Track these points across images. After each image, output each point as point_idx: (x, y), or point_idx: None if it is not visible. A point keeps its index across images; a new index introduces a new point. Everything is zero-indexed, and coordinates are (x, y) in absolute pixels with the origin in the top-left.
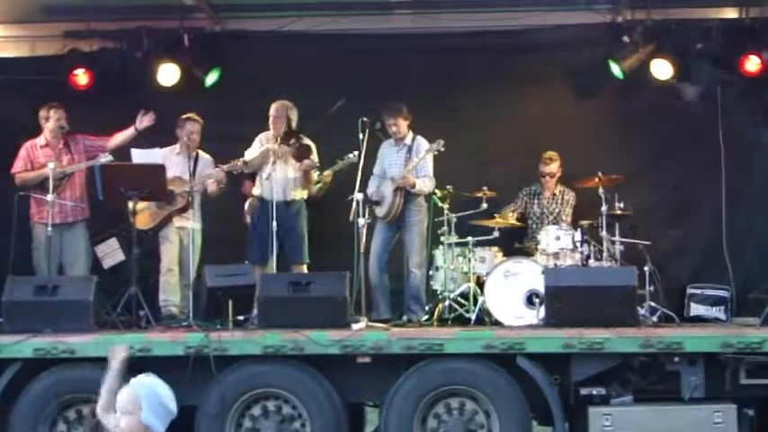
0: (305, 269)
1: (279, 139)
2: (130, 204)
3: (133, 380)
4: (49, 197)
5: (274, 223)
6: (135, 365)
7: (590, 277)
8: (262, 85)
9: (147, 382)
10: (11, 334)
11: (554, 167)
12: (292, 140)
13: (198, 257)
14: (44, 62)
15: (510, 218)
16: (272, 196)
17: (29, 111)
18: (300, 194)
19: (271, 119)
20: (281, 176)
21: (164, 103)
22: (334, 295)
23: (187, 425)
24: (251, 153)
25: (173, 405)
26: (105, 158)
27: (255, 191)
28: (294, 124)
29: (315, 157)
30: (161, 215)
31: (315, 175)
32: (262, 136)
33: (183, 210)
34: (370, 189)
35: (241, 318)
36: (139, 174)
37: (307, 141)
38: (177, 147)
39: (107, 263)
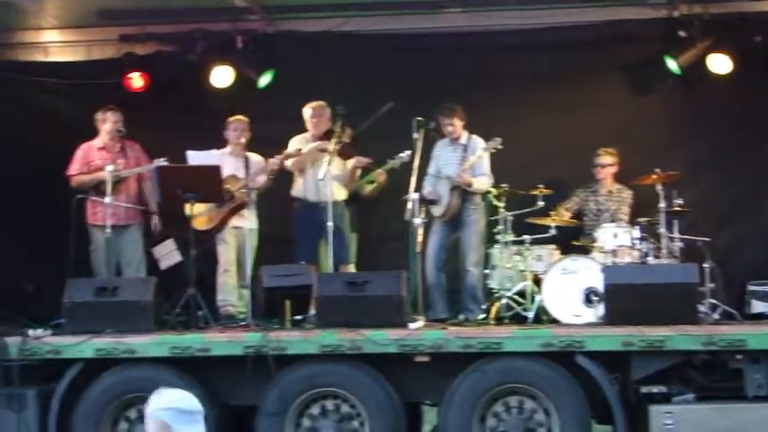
0: (353, 269)
1: (330, 138)
2: (188, 206)
3: (148, 410)
4: (107, 200)
5: (330, 223)
6: (195, 365)
7: (649, 274)
8: (314, 87)
9: (164, 403)
10: (72, 335)
11: (608, 159)
12: (336, 139)
13: (254, 257)
14: (100, 66)
15: (564, 215)
16: (321, 197)
17: (85, 114)
18: (343, 195)
19: (311, 120)
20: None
21: (218, 106)
22: (390, 294)
23: (248, 424)
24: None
25: (196, 404)
26: (162, 161)
27: (297, 193)
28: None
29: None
30: (219, 216)
31: (358, 173)
32: (295, 140)
33: (240, 208)
34: (426, 189)
35: (299, 317)
36: (196, 175)
37: (346, 139)
38: (230, 147)
39: (164, 264)
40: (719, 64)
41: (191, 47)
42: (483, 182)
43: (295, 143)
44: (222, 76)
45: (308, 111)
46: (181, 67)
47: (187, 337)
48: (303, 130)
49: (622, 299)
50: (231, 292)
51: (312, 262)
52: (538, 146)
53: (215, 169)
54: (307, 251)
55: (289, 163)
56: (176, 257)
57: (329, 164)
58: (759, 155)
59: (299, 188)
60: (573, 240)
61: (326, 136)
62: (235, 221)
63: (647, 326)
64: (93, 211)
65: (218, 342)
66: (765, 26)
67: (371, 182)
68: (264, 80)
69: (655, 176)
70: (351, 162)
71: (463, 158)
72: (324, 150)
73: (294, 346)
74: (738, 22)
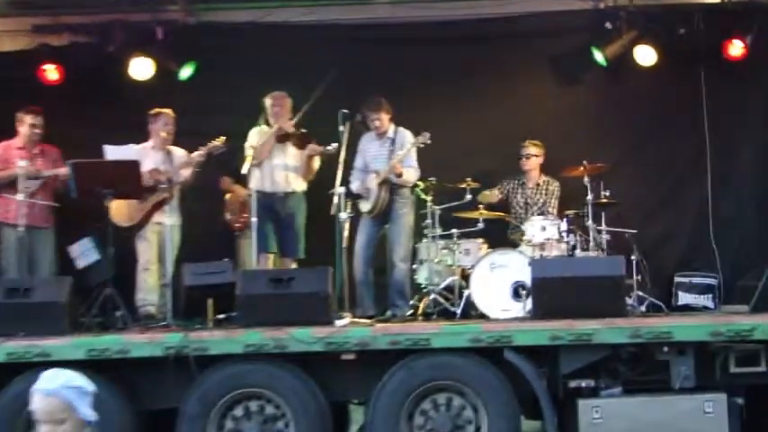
0: (294, 265)
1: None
2: (106, 203)
3: (46, 385)
4: (19, 197)
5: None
6: (113, 368)
7: (577, 268)
8: (238, 79)
9: (63, 381)
10: None
11: (533, 150)
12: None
13: (176, 254)
14: (12, 58)
15: (493, 197)
16: (277, 187)
17: None
18: (301, 186)
19: (271, 108)
20: (280, 165)
21: (138, 99)
22: (316, 291)
23: (168, 427)
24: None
25: (89, 384)
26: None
27: (254, 184)
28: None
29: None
30: (141, 212)
31: (316, 164)
32: (255, 132)
33: (162, 203)
34: (354, 183)
35: (221, 316)
36: (114, 171)
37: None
38: (152, 141)
39: (81, 263)
40: (645, 56)
41: (109, 38)
42: (411, 173)
43: (254, 135)
44: (142, 69)
45: (268, 101)
46: (98, 59)
47: (105, 338)
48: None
49: (550, 292)
50: (151, 291)
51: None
52: (465, 138)
53: (133, 164)
54: (263, 243)
55: (250, 154)
56: (94, 256)
57: (285, 141)
58: (685, 147)
59: (255, 179)
60: (502, 234)
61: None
62: (157, 217)
63: (574, 319)
64: (5, 209)
65: (137, 343)
66: (690, 18)
67: None
68: (186, 72)
69: (582, 168)
70: (305, 151)
71: (391, 152)
72: (283, 136)
73: (216, 346)
74: (663, 14)
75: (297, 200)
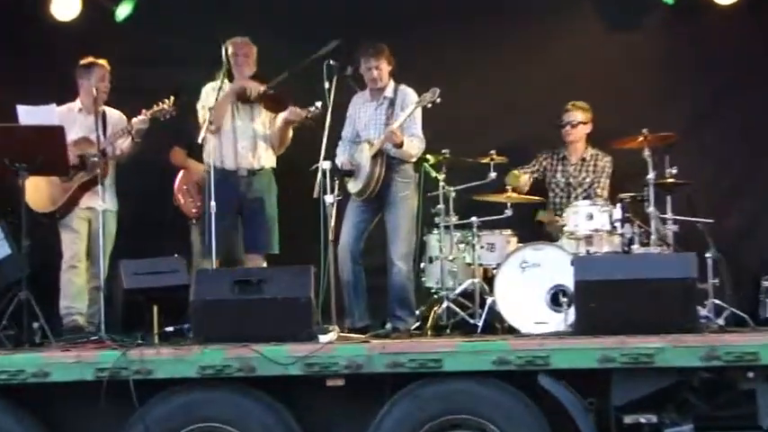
0: (263, 263)
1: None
2: (20, 180)
3: None
4: None
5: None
6: (30, 395)
7: (634, 268)
8: (193, 19)
9: None
10: None
11: (579, 115)
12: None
13: (111, 249)
14: None
15: (522, 180)
16: (242, 163)
17: None
18: (271, 161)
19: (232, 59)
20: (246, 135)
21: (61, 45)
22: (294, 297)
23: None
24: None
25: None
26: None
27: (209, 158)
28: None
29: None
30: (65, 194)
31: (290, 132)
32: (208, 87)
33: (93, 183)
34: (340, 157)
35: (170, 329)
36: (30, 139)
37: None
38: (79, 103)
39: None
40: None
41: None
42: (415, 144)
43: (209, 93)
44: (67, 6)
45: (228, 48)
46: None
47: (18, 357)
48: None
49: (599, 300)
50: (79, 297)
51: (219, 251)
52: (488, 99)
53: (57, 131)
54: (222, 237)
55: (204, 118)
56: (3, 249)
57: (247, 101)
58: None
59: (211, 152)
60: (536, 223)
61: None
62: (86, 201)
63: (631, 335)
64: None
65: (60, 364)
66: None
67: None
68: (123, 11)
69: (641, 139)
70: (282, 116)
71: (390, 116)
72: (243, 96)
73: (164, 368)
74: None
75: (266, 179)
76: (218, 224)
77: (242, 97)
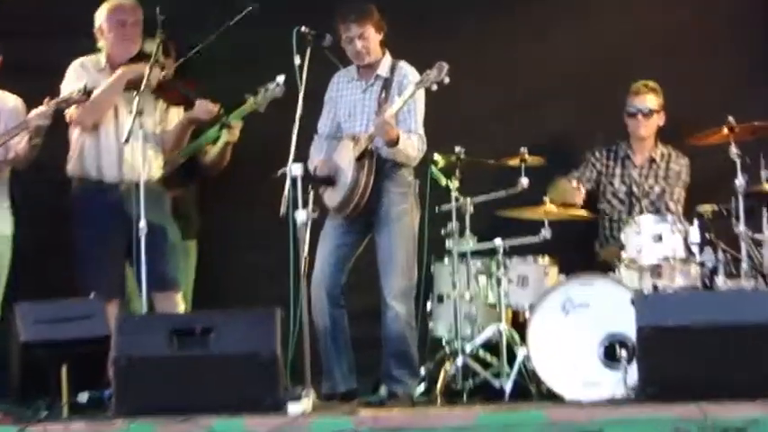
0: (180, 302)
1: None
2: None
3: None
4: None
5: (143, 223)
6: None
7: (719, 309)
8: None
9: None
10: None
11: (651, 100)
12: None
13: (2, 287)
14: None
15: (571, 192)
16: (127, 174)
17: None
18: (159, 170)
19: (113, 29)
20: (134, 135)
21: None
22: (253, 352)
23: None
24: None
25: None
26: None
27: (77, 168)
28: None
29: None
30: None
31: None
32: (76, 67)
33: None
34: (315, 158)
35: (85, 396)
36: None
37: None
38: None
39: None
40: None
41: None
42: (414, 142)
43: (75, 74)
44: None
45: (102, 13)
46: None
47: None
48: (81, 49)
49: (671, 353)
50: None
51: (118, 290)
52: (516, 82)
53: None
54: (101, 271)
55: (70, 112)
56: None
57: (140, 113)
58: None
59: (84, 158)
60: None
61: (137, 61)
62: None
63: (715, 401)
64: None
65: None
66: None
67: (215, 139)
68: None
69: (726, 131)
70: (178, 112)
71: (383, 102)
72: (132, 86)
73: None
74: None
75: (157, 194)
76: (102, 255)
77: (133, 84)
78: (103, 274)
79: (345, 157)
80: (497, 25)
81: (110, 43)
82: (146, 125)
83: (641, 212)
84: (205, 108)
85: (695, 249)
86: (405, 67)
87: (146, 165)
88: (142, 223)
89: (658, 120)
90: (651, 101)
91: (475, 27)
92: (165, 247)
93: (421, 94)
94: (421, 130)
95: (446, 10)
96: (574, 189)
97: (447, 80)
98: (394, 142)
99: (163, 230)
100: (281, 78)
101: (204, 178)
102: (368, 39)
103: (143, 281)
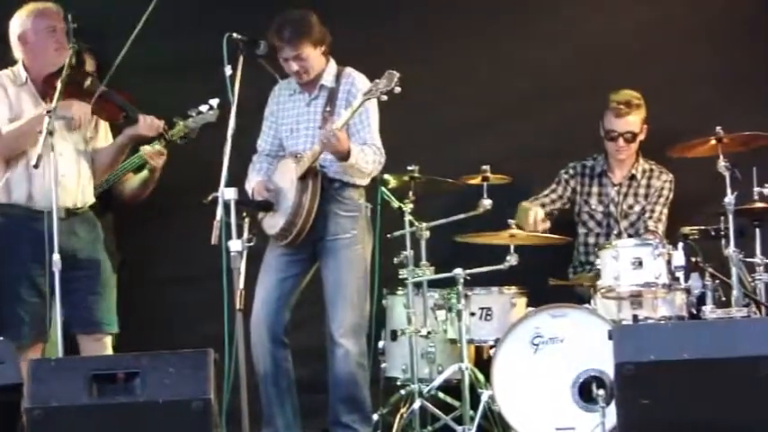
0: (109, 345)
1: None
2: None
3: None
4: None
5: (56, 256)
6: None
7: (707, 341)
8: None
9: None
10: None
11: (635, 125)
12: (88, 80)
13: None
14: None
15: (538, 215)
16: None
17: None
18: (92, 195)
19: (45, 36)
20: (67, 157)
21: None
22: (184, 400)
23: None
24: None
25: None
26: None
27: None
28: None
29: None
30: None
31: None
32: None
33: None
34: (252, 180)
35: None
36: None
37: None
38: None
39: None
40: None
41: None
42: (366, 157)
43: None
44: None
45: (25, 20)
46: None
47: None
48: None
49: (654, 393)
50: None
51: (38, 333)
52: (478, 90)
53: None
54: (17, 309)
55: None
56: None
57: (50, 133)
58: None
59: (9, 184)
60: (551, 276)
61: (54, 78)
62: None
63: None
64: None
65: None
66: None
67: (140, 167)
68: None
69: (713, 142)
70: (106, 128)
71: (329, 115)
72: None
73: None
74: None
75: (90, 224)
76: (24, 291)
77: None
78: (17, 314)
79: (287, 178)
80: (457, 31)
81: (35, 53)
82: (77, 143)
83: (620, 235)
84: (149, 124)
85: (680, 275)
86: (352, 74)
87: (79, 190)
88: (56, 256)
89: (641, 137)
90: (634, 123)
91: (433, 35)
92: (96, 283)
93: (373, 102)
94: (378, 141)
95: (402, 18)
96: (538, 221)
97: (398, 90)
98: (345, 156)
99: (96, 264)
100: (215, 101)
101: (121, 206)
102: (305, 59)
103: (58, 320)
